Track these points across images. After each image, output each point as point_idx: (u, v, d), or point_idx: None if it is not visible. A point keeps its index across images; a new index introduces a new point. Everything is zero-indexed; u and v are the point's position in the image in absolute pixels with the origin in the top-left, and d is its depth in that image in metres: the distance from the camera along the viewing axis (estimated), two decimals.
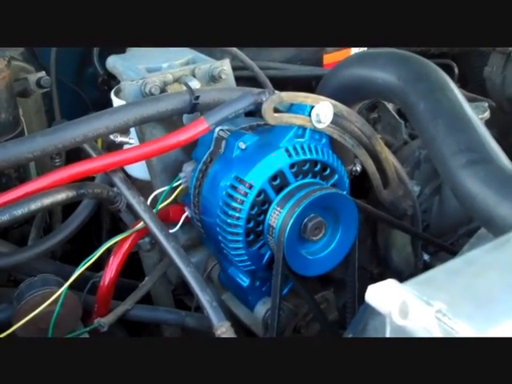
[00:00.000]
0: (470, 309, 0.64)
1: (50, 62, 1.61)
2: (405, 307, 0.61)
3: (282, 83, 1.42)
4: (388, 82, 1.06)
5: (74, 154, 1.28)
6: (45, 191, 0.95)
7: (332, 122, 1.05)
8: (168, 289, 1.26)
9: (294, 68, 1.52)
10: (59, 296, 1.01)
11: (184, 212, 1.15)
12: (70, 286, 1.11)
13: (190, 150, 1.15)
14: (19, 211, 0.91)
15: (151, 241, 1.18)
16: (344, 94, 1.15)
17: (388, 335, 0.65)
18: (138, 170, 1.25)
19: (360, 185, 1.30)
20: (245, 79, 1.39)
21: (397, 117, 1.37)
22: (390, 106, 1.38)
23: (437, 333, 0.58)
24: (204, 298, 0.86)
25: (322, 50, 1.53)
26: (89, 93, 1.84)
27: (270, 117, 0.99)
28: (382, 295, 0.63)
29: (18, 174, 1.23)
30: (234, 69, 1.47)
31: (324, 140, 1.07)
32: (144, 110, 1.00)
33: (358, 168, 1.29)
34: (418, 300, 0.62)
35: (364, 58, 1.14)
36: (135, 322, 1.25)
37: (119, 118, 0.99)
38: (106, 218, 1.51)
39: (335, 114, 1.05)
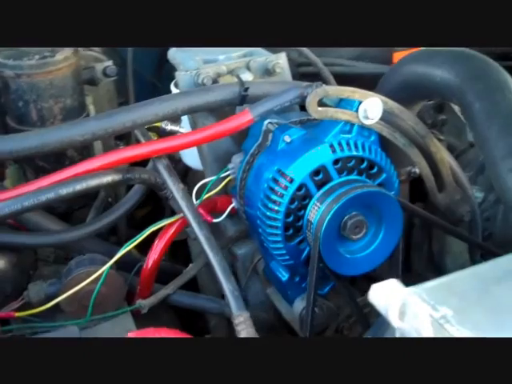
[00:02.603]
0: (479, 317, 0.61)
1: (128, 55, 1.68)
2: (404, 309, 0.58)
3: (348, 80, 1.39)
4: (446, 79, 1.02)
5: None
6: (92, 173, 0.99)
7: (382, 119, 1.02)
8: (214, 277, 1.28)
9: (361, 65, 1.49)
10: (102, 274, 1.05)
11: (231, 203, 1.16)
12: (120, 268, 1.16)
13: (241, 141, 1.15)
14: (64, 190, 0.95)
15: None
16: (403, 92, 1.12)
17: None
18: (195, 161, 1.27)
19: (420, 187, 1.26)
20: (311, 75, 1.38)
21: (462, 118, 1.30)
22: (456, 108, 1.32)
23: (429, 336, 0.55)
24: (227, 286, 0.86)
25: (391, 48, 1.49)
26: (167, 87, 1.90)
27: (314, 110, 0.98)
28: (383, 295, 0.61)
29: (81, 156, 1.29)
30: (300, 65, 1.46)
31: (373, 137, 1.04)
32: (193, 99, 1.02)
33: (417, 170, 1.25)
34: (421, 303, 0.59)
35: (422, 55, 1.10)
36: (186, 310, 1.27)
37: (168, 106, 1.01)
38: (168, 207, 1.55)
39: (386, 111, 1.02)
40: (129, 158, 1.01)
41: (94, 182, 0.98)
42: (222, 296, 1.28)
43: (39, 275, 1.22)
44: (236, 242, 1.23)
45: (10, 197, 0.95)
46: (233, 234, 1.23)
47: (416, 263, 1.33)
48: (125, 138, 1.50)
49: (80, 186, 0.97)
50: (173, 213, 1.53)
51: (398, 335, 0.62)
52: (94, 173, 0.99)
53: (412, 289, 0.64)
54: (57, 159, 1.26)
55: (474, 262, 1.25)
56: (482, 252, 1.25)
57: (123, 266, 1.17)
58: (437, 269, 1.29)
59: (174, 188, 0.99)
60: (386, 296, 0.60)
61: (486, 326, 0.59)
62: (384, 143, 1.07)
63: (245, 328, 0.80)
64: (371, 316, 1.18)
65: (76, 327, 0.91)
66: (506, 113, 0.91)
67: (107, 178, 1.00)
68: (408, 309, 0.58)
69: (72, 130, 0.98)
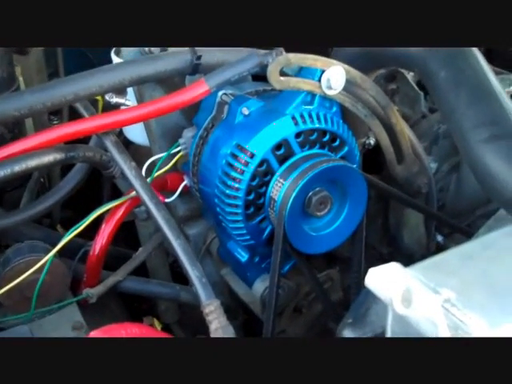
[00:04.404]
0: (482, 298, 0.57)
1: None
2: (408, 295, 0.54)
3: None
4: (407, 47, 0.97)
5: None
6: (30, 152, 0.89)
7: (344, 89, 0.97)
8: (165, 261, 1.20)
9: None
10: (45, 263, 0.95)
11: (183, 181, 1.09)
12: (62, 254, 1.06)
13: (191, 114, 1.08)
14: (1, 172, 0.85)
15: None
16: (361, 60, 1.07)
17: (389, 324, 0.59)
18: (138, 135, 1.18)
19: (373, 159, 1.23)
20: None
21: (416, 88, 1.28)
22: (409, 77, 1.29)
23: (443, 325, 0.51)
24: (193, 273, 0.79)
25: None
26: (98, 56, 1.77)
27: (276, 80, 0.91)
28: (384, 280, 0.56)
29: (12, 134, 1.16)
30: None
31: (335, 108, 0.99)
32: (141, 69, 0.93)
33: (372, 141, 1.21)
34: (423, 287, 0.55)
35: None
36: (132, 295, 1.20)
37: (114, 76, 0.92)
38: (107, 184, 1.45)
39: (348, 81, 0.96)
40: (70, 135, 0.91)
41: (33, 163, 0.88)
42: (174, 279, 1.23)
43: None
44: (187, 221, 1.16)
45: None
46: (183, 213, 1.16)
47: (370, 236, 1.30)
48: (59, 113, 1.38)
49: (19, 167, 0.87)
50: (113, 193, 1.44)
51: (390, 321, 0.58)
52: (33, 152, 0.89)
53: (408, 270, 0.60)
54: None
55: (429, 234, 1.24)
56: (436, 224, 1.24)
57: (64, 252, 1.07)
58: (392, 242, 1.27)
59: (126, 166, 0.90)
60: (387, 281, 0.55)
61: (492, 307, 0.56)
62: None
63: (216, 318, 0.73)
64: (330, 292, 1.16)
65: (26, 327, 0.81)
66: (473, 81, 0.88)
67: (48, 158, 0.90)
68: (413, 295, 0.53)
69: (6, 104, 0.87)
